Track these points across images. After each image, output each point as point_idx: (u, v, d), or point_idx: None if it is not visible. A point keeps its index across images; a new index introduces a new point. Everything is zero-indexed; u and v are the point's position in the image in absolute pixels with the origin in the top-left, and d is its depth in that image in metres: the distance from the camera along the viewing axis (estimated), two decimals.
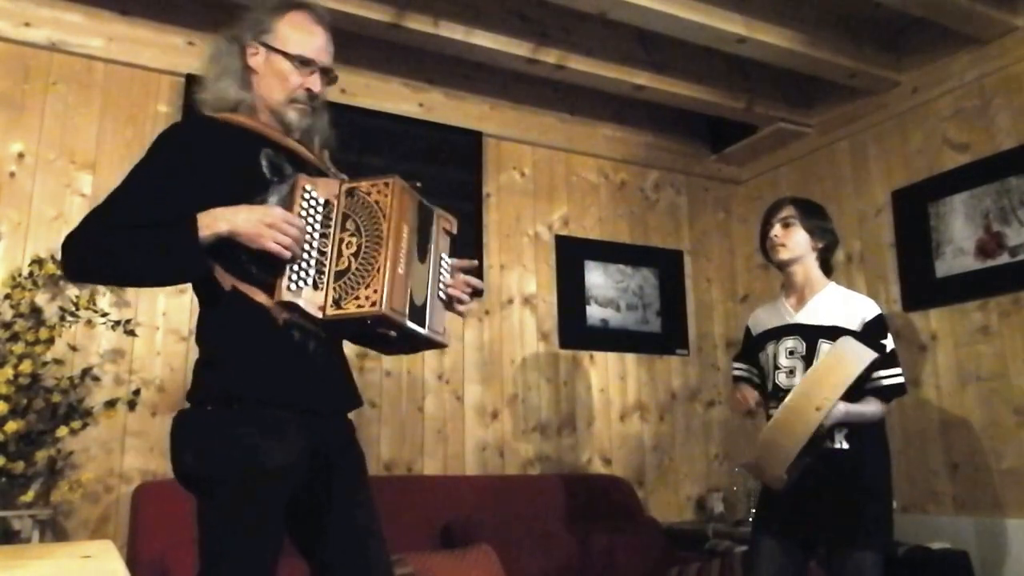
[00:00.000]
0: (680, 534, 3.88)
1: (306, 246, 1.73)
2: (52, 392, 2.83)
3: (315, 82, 1.88)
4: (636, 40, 3.92)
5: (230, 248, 1.70)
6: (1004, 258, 3.43)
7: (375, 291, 1.67)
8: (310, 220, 1.75)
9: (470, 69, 4.02)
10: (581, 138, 4.43)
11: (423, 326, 1.82)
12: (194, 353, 3.30)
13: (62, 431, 2.77)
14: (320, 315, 1.70)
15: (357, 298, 1.68)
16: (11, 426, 2.63)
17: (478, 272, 2.08)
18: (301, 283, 1.71)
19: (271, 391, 1.72)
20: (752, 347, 2.90)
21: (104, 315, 3.02)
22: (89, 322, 3.06)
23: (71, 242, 1.71)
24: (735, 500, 4.16)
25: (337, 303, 1.70)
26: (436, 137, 3.97)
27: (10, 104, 3.18)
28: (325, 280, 1.72)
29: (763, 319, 2.88)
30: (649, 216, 4.60)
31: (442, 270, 1.94)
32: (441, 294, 1.92)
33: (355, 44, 3.67)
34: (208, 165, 1.74)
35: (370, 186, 1.78)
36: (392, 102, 3.91)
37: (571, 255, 4.28)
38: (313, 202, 1.77)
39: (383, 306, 1.66)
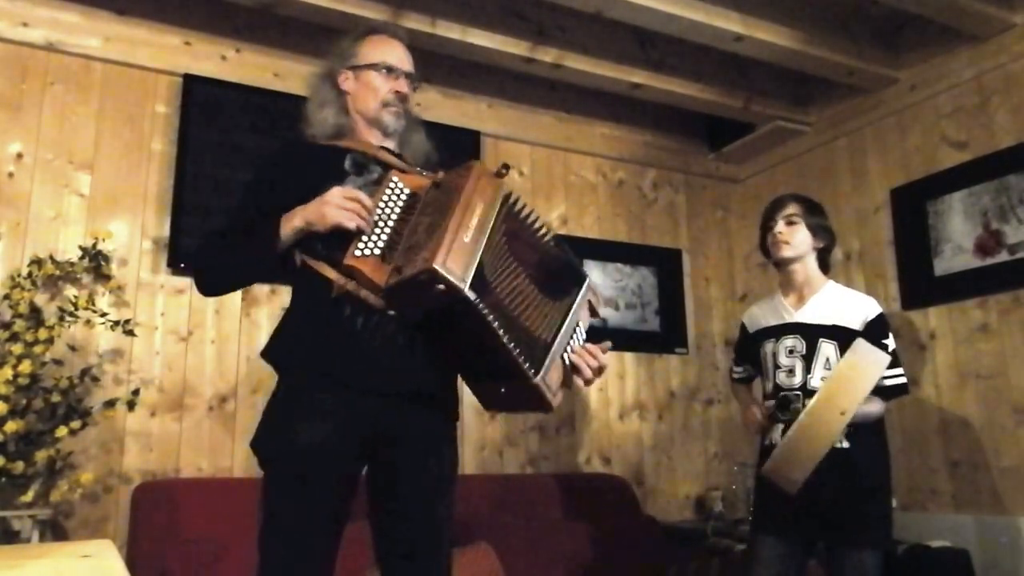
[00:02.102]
0: (679, 533, 3.88)
1: (379, 223, 1.82)
2: (51, 392, 2.83)
3: (402, 85, 2.08)
4: (633, 39, 3.93)
5: (308, 236, 1.85)
6: (1003, 256, 3.43)
7: (431, 251, 1.64)
8: (390, 205, 1.85)
9: (467, 68, 4.02)
10: (579, 137, 4.43)
11: (538, 371, 1.73)
12: (193, 353, 3.34)
13: (61, 431, 2.77)
14: (381, 283, 1.74)
15: (415, 262, 1.67)
16: (11, 426, 2.63)
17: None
18: (368, 251, 1.78)
19: (304, 364, 1.84)
20: (749, 345, 2.90)
21: (103, 315, 3.02)
22: (88, 322, 3.06)
23: (194, 263, 2.07)
24: (734, 499, 4.16)
25: (399, 270, 1.70)
26: (433, 136, 3.91)
27: (8, 104, 3.18)
28: (395, 254, 1.76)
29: (760, 317, 2.88)
30: (647, 215, 4.61)
31: (576, 333, 1.89)
32: (567, 356, 1.85)
33: None
34: (299, 173, 1.94)
35: (455, 173, 1.84)
36: None
37: None
38: (398, 190, 1.88)
39: (435, 262, 1.60)
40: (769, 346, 2.77)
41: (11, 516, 2.67)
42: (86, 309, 2.97)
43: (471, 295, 1.64)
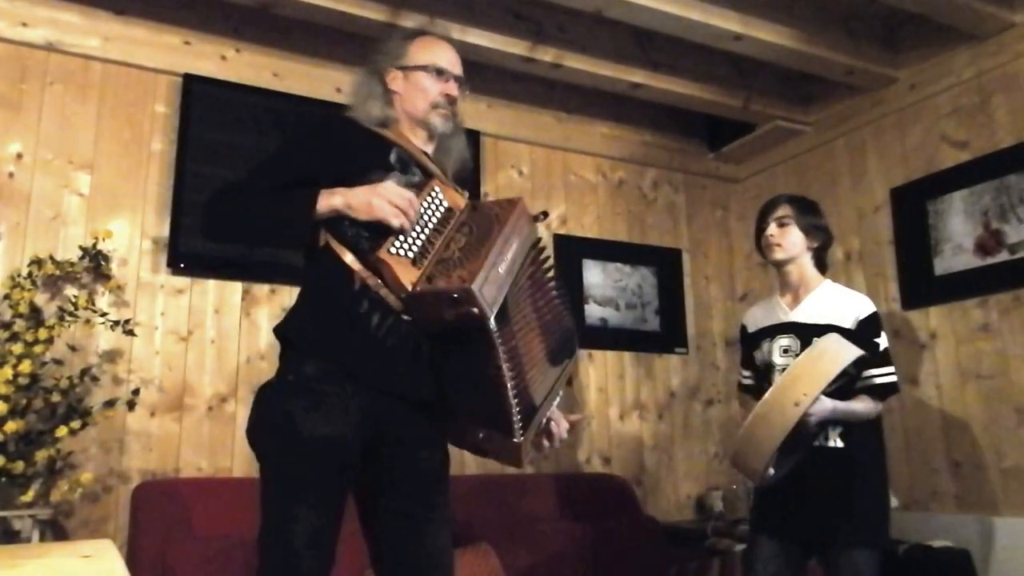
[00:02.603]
0: (679, 533, 3.88)
1: (416, 228, 1.80)
2: (51, 392, 2.83)
3: (452, 88, 2.07)
4: (633, 38, 3.93)
5: (339, 216, 1.81)
6: (1003, 255, 3.43)
7: (470, 272, 1.68)
8: (428, 213, 1.84)
9: (467, 68, 3.99)
10: (578, 137, 4.43)
11: (524, 430, 1.79)
12: (193, 353, 3.34)
13: (61, 431, 2.77)
14: (409, 286, 1.72)
15: (449, 276, 1.70)
16: (11, 426, 2.63)
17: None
18: (402, 251, 1.76)
19: (319, 349, 1.80)
20: (750, 347, 2.90)
21: (103, 315, 3.02)
22: (88, 322, 3.06)
23: (209, 205, 1.87)
24: (734, 499, 4.16)
25: (430, 279, 1.72)
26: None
27: (7, 104, 3.18)
28: (426, 262, 1.76)
29: (758, 317, 2.88)
30: (647, 215, 4.60)
31: (556, 400, 1.98)
32: (543, 421, 1.94)
33: (350, 43, 3.67)
34: (339, 147, 1.91)
35: (495, 203, 1.90)
36: None
37: (569, 254, 4.27)
38: (437, 201, 1.87)
39: (473, 282, 1.65)
40: (765, 345, 2.77)
41: (11, 516, 2.67)
42: (86, 309, 2.98)
43: (493, 325, 1.70)
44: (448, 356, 1.84)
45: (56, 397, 2.83)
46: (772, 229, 2.77)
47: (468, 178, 3.93)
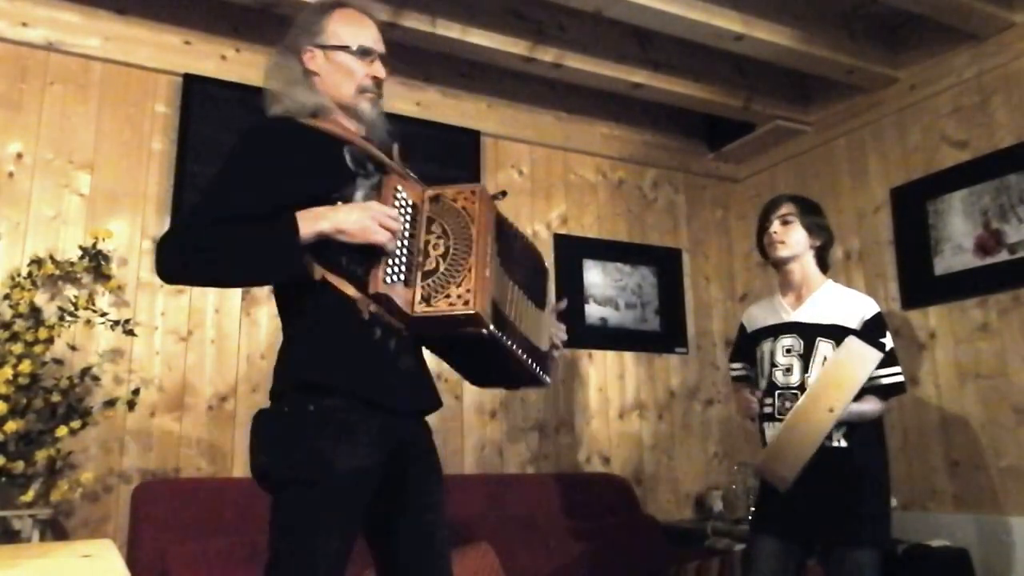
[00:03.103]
0: (679, 532, 3.88)
1: (399, 243, 1.75)
2: (51, 392, 2.83)
3: (379, 69, 1.93)
4: (633, 38, 3.93)
5: (324, 242, 1.70)
6: (1003, 255, 3.43)
7: (467, 290, 1.68)
8: (403, 221, 1.77)
9: (467, 68, 4.02)
10: (579, 137, 4.43)
11: (547, 374, 1.94)
12: (193, 353, 3.34)
13: (62, 431, 2.77)
14: (409, 311, 1.70)
15: (448, 296, 1.69)
16: (11, 426, 2.63)
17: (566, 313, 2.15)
18: (395, 277, 1.71)
19: (347, 386, 1.71)
20: (747, 344, 2.90)
21: (103, 315, 3.02)
22: (88, 322, 3.06)
23: (169, 242, 1.69)
24: (734, 498, 4.16)
25: (427, 300, 1.70)
26: (433, 136, 3.96)
27: (7, 104, 3.18)
28: (414, 278, 1.73)
29: (758, 316, 2.88)
30: (647, 214, 4.61)
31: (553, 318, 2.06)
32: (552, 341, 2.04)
33: None
34: (295, 161, 1.75)
35: (456, 193, 1.82)
36: (389, 101, 3.78)
37: (569, 254, 4.28)
38: (404, 202, 1.79)
39: (475, 304, 1.66)
40: (767, 345, 2.77)
41: (11, 516, 2.67)
42: (86, 309, 2.98)
43: (498, 333, 1.74)
44: (457, 351, 1.93)
45: (56, 397, 2.83)
46: (775, 227, 2.77)
47: (466, 178, 3.97)
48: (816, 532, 2.58)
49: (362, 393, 1.71)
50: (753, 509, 2.85)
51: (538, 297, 1.97)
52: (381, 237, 1.69)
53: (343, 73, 1.88)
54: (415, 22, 3.41)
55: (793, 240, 2.75)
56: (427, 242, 1.77)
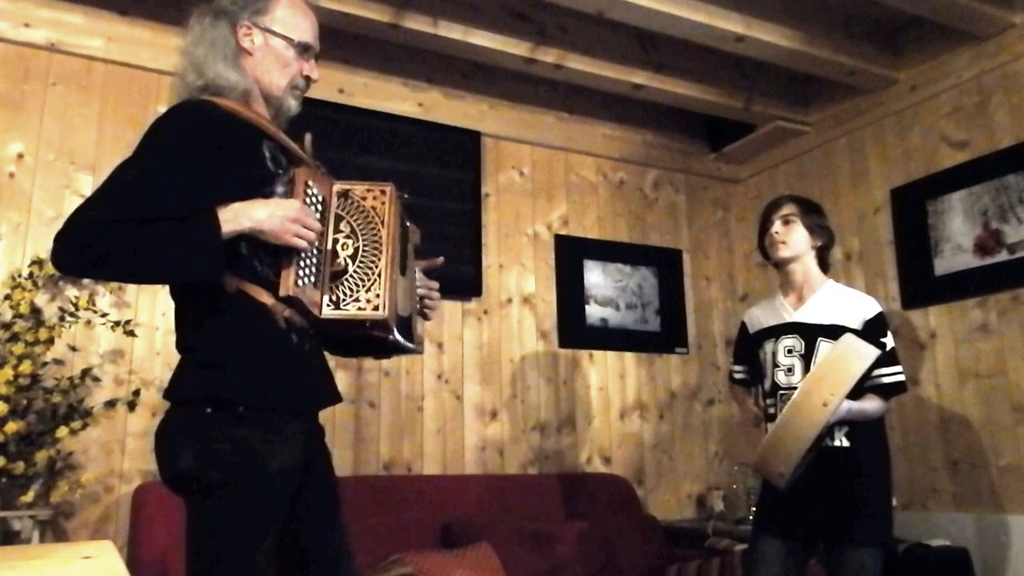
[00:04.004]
0: (680, 532, 3.88)
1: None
2: (52, 393, 2.83)
3: (313, 69, 1.85)
4: (634, 39, 3.93)
5: (234, 243, 1.62)
6: (1003, 255, 3.44)
7: (377, 295, 1.69)
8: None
9: (469, 69, 4.02)
10: (580, 137, 4.43)
11: (411, 340, 1.91)
12: None
13: (62, 431, 2.77)
14: (318, 313, 1.69)
15: (357, 300, 1.69)
16: (11, 427, 2.63)
17: (458, 270, 2.16)
18: (306, 279, 1.67)
19: (274, 396, 1.67)
20: (749, 345, 2.90)
21: (104, 315, 3.02)
22: (89, 322, 3.06)
23: (71, 231, 1.53)
24: (735, 498, 4.16)
25: (336, 304, 1.70)
26: (435, 137, 3.97)
27: (9, 104, 3.18)
28: (323, 279, 1.71)
29: (760, 317, 2.88)
30: (648, 215, 4.61)
31: (417, 282, 2.03)
32: (417, 305, 2.02)
33: (354, 44, 3.68)
34: (215, 153, 1.64)
35: (365, 191, 1.78)
36: (391, 102, 3.91)
37: (570, 254, 4.28)
38: (314, 199, 1.74)
39: (385, 310, 1.68)
40: (768, 346, 2.77)
41: (11, 516, 2.67)
42: (87, 309, 2.98)
43: (397, 336, 1.78)
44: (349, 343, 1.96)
45: (57, 397, 2.83)
46: (777, 227, 2.77)
47: (466, 180, 3.97)
48: (818, 531, 2.58)
49: (286, 404, 1.69)
50: (754, 509, 2.84)
51: (405, 263, 1.90)
52: (300, 243, 1.65)
53: (279, 64, 1.80)
54: (417, 23, 3.41)
55: (794, 240, 2.75)
56: (335, 241, 1.74)
